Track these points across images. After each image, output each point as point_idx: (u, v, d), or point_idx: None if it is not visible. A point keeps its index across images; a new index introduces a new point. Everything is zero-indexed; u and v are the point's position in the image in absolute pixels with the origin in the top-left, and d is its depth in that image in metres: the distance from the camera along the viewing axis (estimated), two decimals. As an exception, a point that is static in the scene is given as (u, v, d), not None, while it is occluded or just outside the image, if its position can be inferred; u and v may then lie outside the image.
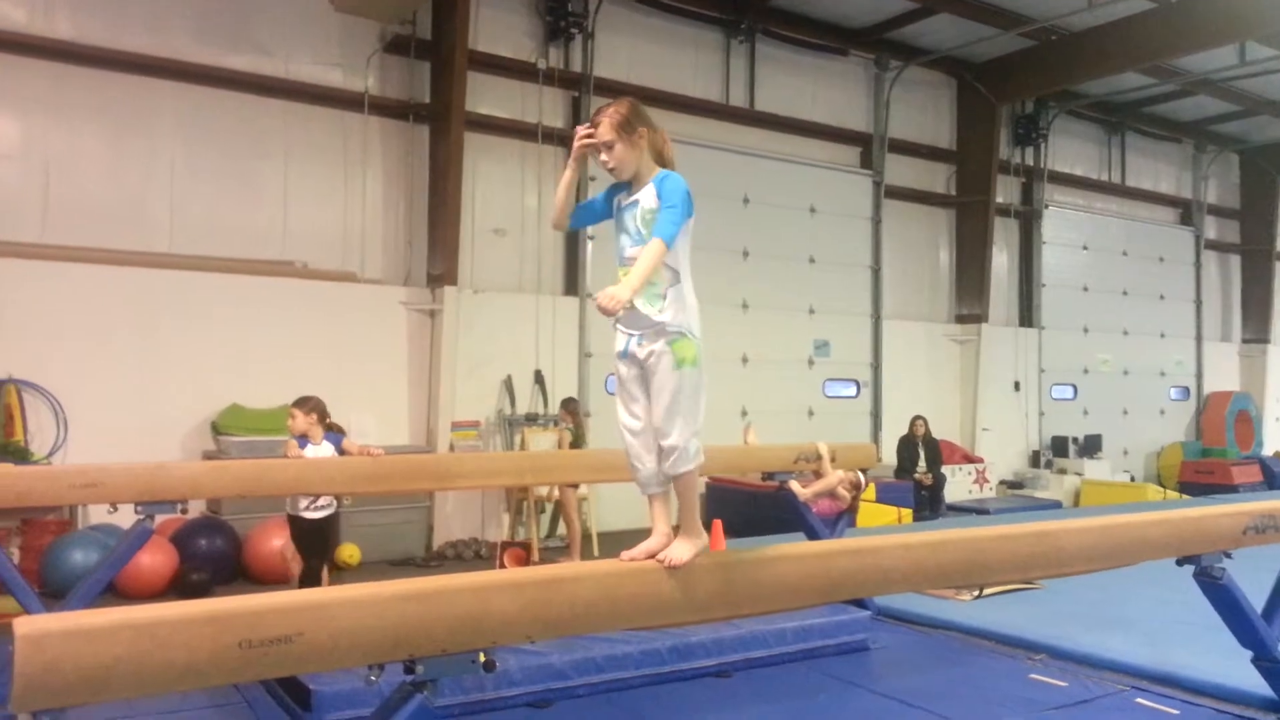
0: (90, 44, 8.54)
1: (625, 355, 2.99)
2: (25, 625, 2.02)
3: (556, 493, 9.03)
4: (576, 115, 10.96)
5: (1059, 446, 15.04)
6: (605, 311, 2.77)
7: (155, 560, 7.24)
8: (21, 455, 7.71)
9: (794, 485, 6.27)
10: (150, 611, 2.19)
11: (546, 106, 10.72)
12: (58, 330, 8.18)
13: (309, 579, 6.36)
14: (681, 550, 2.91)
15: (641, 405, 2.98)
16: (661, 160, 3.06)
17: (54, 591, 6.86)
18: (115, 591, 6.77)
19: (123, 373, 8.42)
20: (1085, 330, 16.09)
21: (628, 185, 3.08)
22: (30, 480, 4.62)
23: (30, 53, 8.32)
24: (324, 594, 2.46)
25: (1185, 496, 13.41)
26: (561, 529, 9.63)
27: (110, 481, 4.44)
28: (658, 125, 3.06)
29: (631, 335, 2.97)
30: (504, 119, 10.52)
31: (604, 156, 3.00)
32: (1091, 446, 15.22)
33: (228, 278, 8.97)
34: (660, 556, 2.91)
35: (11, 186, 8.34)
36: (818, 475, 6.32)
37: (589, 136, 3.03)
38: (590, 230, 10.83)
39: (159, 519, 4.70)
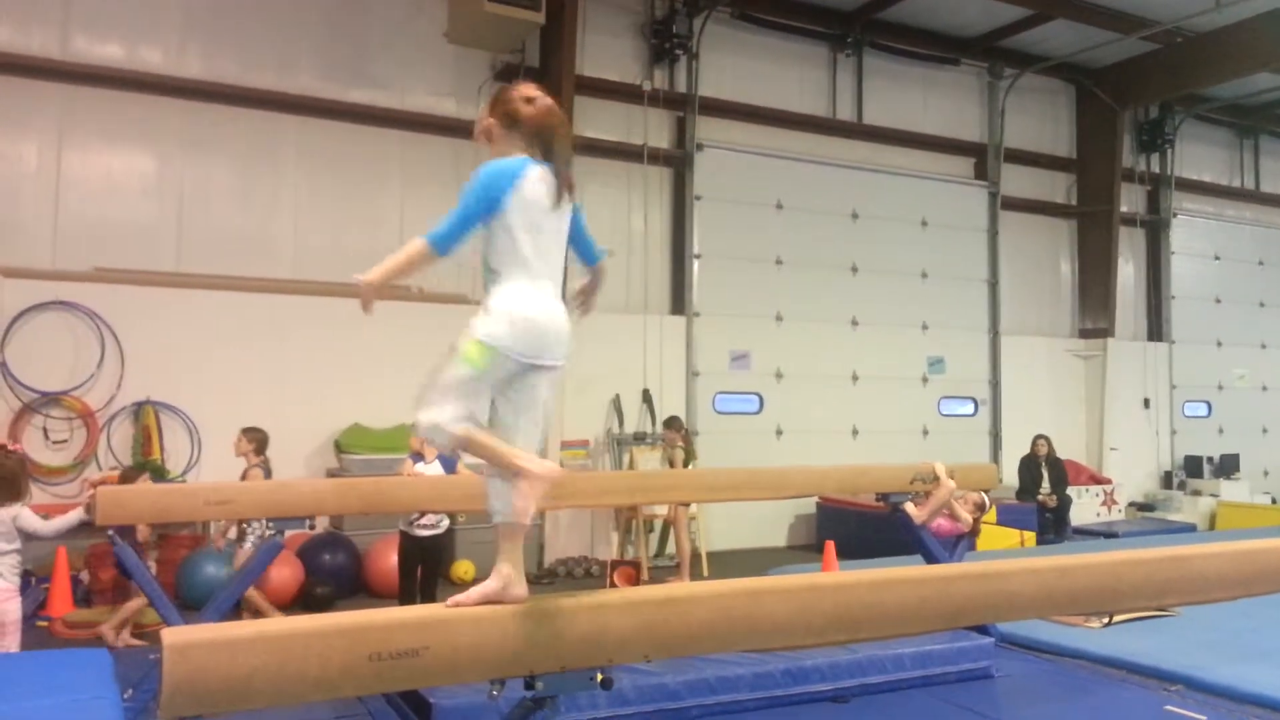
0: (220, 82, 9.02)
1: None
2: (172, 636, 2.12)
3: (670, 511, 9.05)
4: (681, 135, 11.06)
5: (1193, 467, 14.28)
6: (363, 302, 2.69)
7: (283, 574, 7.51)
8: (159, 473, 8.13)
9: (909, 507, 6.09)
10: (285, 624, 2.28)
11: (652, 128, 10.82)
12: (191, 353, 8.60)
13: (412, 596, 6.52)
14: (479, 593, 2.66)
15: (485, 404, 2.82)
16: (538, 133, 2.81)
17: (187, 603, 7.18)
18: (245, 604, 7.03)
19: (251, 393, 8.77)
20: (1219, 344, 15.27)
21: None
22: (170, 497, 4.90)
23: (165, 92, 8.83)
24: (448, 610, 2.51)
25: (1334, 520, 12.55)
26: (671, 548, 9.62)
27: (243, 498, 4.65)
28: (515, 96, 2.82)
29: None
30: (610, 141, 10.65)
31: None
32: (1228, 466, 14.40)
33: (349, 301, 9.24)
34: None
35: (149, 218, 8.84)
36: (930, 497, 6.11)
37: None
38: (697, 249, 10.93)
39: (287, 534, 4.89)
